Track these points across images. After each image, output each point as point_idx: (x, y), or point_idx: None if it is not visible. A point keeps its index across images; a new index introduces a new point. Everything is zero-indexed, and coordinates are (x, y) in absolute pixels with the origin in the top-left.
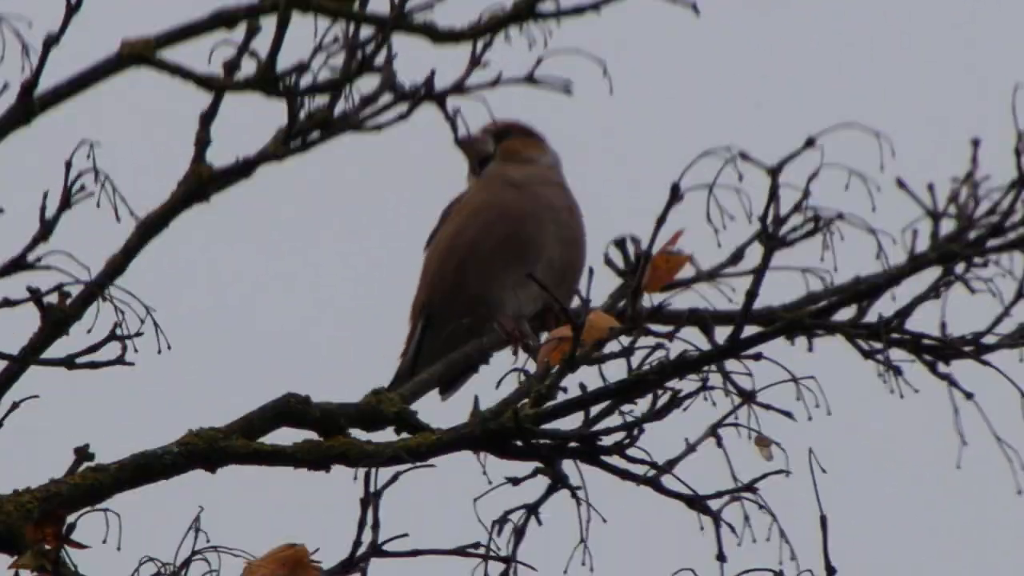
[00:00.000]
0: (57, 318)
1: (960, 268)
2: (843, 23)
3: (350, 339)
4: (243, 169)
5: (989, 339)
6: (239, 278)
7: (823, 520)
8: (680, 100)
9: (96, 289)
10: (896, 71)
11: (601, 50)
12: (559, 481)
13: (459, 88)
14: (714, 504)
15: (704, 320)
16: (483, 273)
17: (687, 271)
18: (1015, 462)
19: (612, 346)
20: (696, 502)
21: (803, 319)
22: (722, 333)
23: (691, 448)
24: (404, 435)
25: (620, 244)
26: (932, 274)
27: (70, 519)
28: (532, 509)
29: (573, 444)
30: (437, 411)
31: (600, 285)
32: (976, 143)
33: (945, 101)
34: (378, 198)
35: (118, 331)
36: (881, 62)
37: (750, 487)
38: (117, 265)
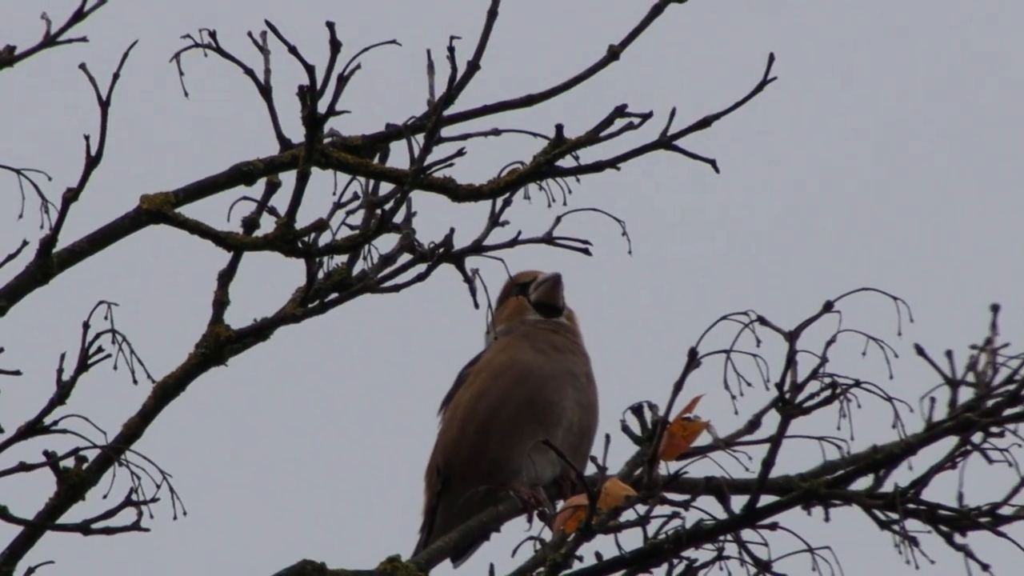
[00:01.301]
0: (73, 483)
1: (977, 438)
2: (864, 180)
3: (367, 503)
4: (260, 331)
5: (1005, 510)
6: (255, 441)
7: None
8: (700, 259)
9: (112, 454)
10: (917, 233)
11: (620, 205)
12: None
13: (478, 248)
14: None
15: (720, 489)
16: (504, 437)
17: (704, 438)
18: None
19: (628, 514)
20: None
21: (819, 489)
22: (738, 501)
23: None
24: None
25: (637, 411)
26: (949, 443)
27: None
28: None
29: None
30: None
31: (616, 452)
32: (995, 309)
33: (965, 264)
34: (395, 357)
35: (134, 497)
36: (902, 225)
37: None
38: (134, 429)
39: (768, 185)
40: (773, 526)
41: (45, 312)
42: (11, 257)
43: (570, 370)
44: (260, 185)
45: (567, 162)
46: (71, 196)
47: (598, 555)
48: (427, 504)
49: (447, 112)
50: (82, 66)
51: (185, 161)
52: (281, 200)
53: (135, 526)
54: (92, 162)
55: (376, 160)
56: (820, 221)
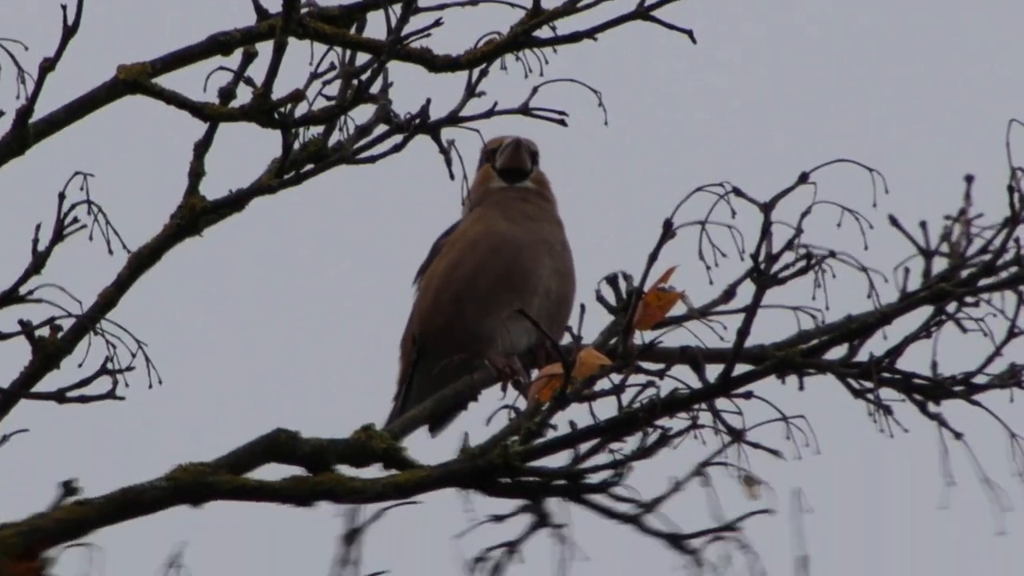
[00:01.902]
0: (48, 352)
1: (952, 307)
2: (839, 54)
3: (341, 373)
4: (236, 202)
5: (980, 379)
6: (230, 311)
7: (803, 560)
8: (676, 131)
9: (88, 323)
10: (891, 105)
11: (597, 77)
12: (543, 518)
13: (454, 119)
14: (696, 543)
15: (695, 358)
16: (480, 306)
17: (679, 308)
18: (1002, 503)
19: (603, 383)
20: (677, 541)
21: (794, 358)
22: (713, 371)
23: (677, 486)
24: (392, 471)
25: (612, 281)
26: (924, 313)
27: (53, 553)
28: (514, 546)
29: (559, 482)
30: (427, 448)
31: (591, 322)
32: (969, 179)
33: (940, 135)
34: (370, 229)
35: (109, 365)
36: (877, 97)
37: (731, 527)
38: (109, 298)
39: (746, 59)
40: (747, 395)
41: (21, 183)
42: None
43: (545, 238)
44: (237, 56)
45: (544, 33)
46: (48, 66)
47: (572, 424)
48: (402, 373)
49: None
50: None
51: (162, 32)
52: (258, 71)
53: (110, 395)
54: (69, 32)
55: (353, 30)
56: (797, 94)
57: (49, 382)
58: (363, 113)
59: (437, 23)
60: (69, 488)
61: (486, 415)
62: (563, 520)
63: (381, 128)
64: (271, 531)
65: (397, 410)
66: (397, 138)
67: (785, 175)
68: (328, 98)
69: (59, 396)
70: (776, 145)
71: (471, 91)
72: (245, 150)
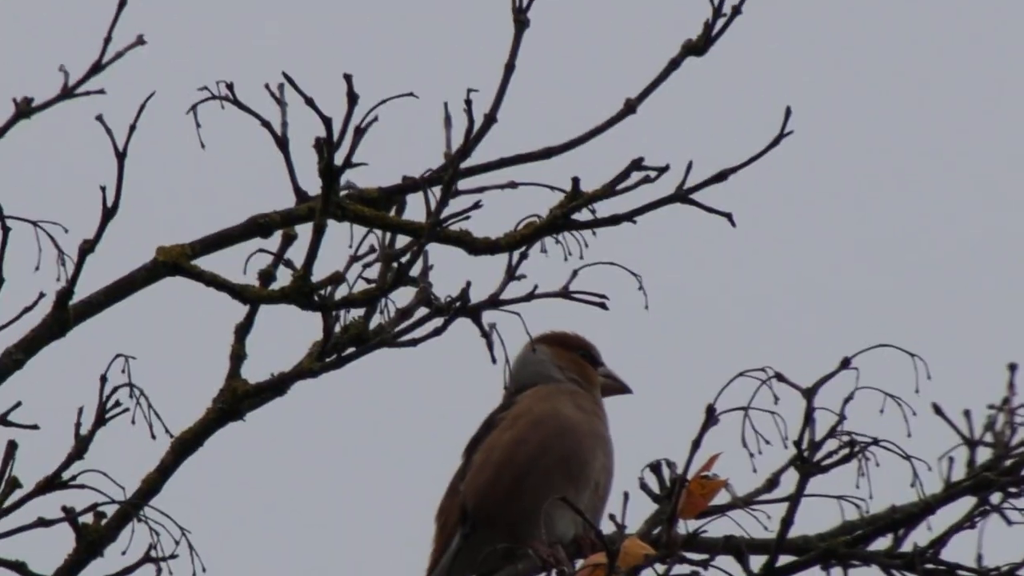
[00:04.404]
0: (92, 539)
1: (996, 498)
2: (878, 238)
3: (383, 557)
4: (278, 385)
5: None
6: (273, 496)
7: None
8: (717, 313)
9: (131, 509)
10: (934, 294)
11: (636, 258)
12: None
13: (494, 302)
14: None
15: (739, 548)
16: (538, 487)
17: (722, 496)
18: None
19: (647, 574)
20: None
21: (838, 549)
22: (757, 561)
23: None
24: None
25: (655, 468)
26: (968, 503)
27: None
28: None
29: None
30: None
31: (635, 510)
32: (1013, 368)
33: (982, 322)
34: (411, 411)
35: (153, 553)
36: (919, 285)
37: None
38: (152, 484)
39: (785, 239)
40: None
41: (62, 365)
42: (28, 309)
43: (601, 433)
44: (276, 237)
45: (583, 215)
46: (87, 247)
47: None
48: (438, 544)
49: (464, 165)
50: (99, 118)
51: (201, 213)
52: (297, 253)
53: None
54: (108, 213)
55: (393, 212)
56: (837, 276)
57: (93, 570)
58: (403, 295)
59: (476, 205)
60: None
61: None
62: None
63: (422, 311)
64: None
65: None
66: (438, 321)
67: (827, 360)
68: (368, 280)
69: None
70: (817, 329)
71: (511, 274)
72: (286, 332)
